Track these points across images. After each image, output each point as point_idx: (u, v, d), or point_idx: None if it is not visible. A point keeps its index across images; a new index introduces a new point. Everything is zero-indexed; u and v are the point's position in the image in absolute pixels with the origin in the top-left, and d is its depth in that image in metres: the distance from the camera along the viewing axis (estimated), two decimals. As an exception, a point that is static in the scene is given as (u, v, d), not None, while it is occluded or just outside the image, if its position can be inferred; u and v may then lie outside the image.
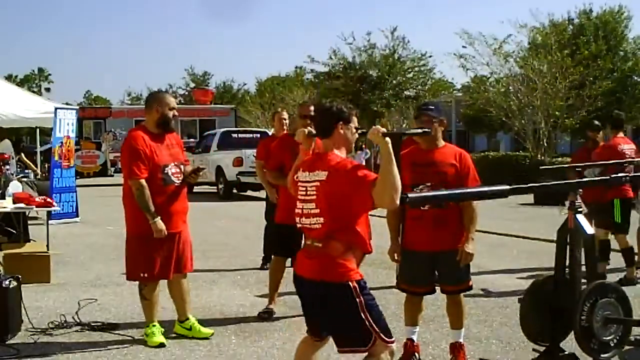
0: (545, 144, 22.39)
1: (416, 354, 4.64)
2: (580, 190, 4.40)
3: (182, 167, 5.15)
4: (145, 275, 5.05)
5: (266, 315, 5.83)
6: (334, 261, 3.31)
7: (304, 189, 3.44)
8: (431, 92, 31.96)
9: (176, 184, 5.09)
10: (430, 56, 31.40)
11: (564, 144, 32.74)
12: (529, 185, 5.02)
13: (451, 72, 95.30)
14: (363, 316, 3.28)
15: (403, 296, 4.81)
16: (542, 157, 21.40)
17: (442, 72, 53.90)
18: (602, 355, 4.20)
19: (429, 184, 4.46)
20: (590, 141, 8.37)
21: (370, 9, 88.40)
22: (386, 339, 3.35)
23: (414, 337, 4.66)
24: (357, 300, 3.29)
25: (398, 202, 3.26)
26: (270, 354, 4.90)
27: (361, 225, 3.38)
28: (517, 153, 24.34)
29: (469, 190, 4.38)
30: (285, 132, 6.94)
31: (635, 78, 28.19)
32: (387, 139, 3.29)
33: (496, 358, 4.85)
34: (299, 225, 3.49)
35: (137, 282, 5.14)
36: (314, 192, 3.38)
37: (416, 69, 31.53)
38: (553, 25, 26.99)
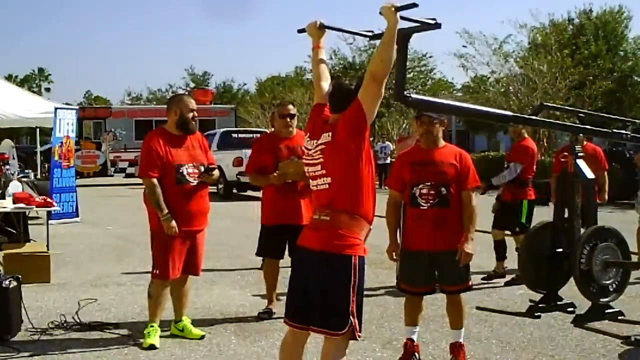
0: (546, 144, 22.40)
1: (416, 354, 4.64)
2: (582, 134, 4.35)
3: (201, 168, 5.17)
4: (157, 272, 5.11)
5: (266, 316, 5.83)
6: (340, 233, 3.32)
7: (313, 154, 3.46)
8: (431, 92, 31.99)
9: (192, 184, 5.11)
10: (430, 56, 31.45)
11: (564, 144, 32.74)
12: (531, 117, 4.97)
13: (451, 72, 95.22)
14: (350, 297, 3.28)
15: (403, 296, 4.82)
16: (543, 157, 21.40)
17: (442, 72, 53.90)
18: (601, 299, 4.20)
19: (428, 183, 4.48)
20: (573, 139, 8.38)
21: (370, 9, 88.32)
22: (358, 331, 3.34)
23: (414, 337, 4.66)
24: (352, 278, 3.28)
25: (386, 71, 3.26)
26: (270, 354, 4.89)
27: (367, 190, 3.38)
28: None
29: (474, 106, 4.33)
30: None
31: (635, 78, 28.17)
32: (398, 16, 3.28)
33: (496, 358, 4.85)
34: (312, 188, 3.50)
35: (141, 282, 5.14)
36: (320, 155, 3.41)
37: (416, 69, 31.55)
38: (553, 25, 27.02)
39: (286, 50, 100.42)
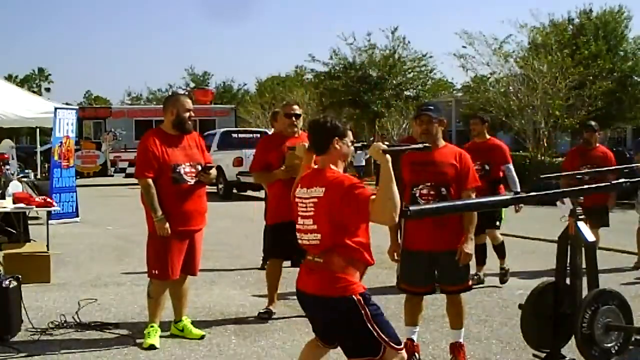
0: (546, 144, 22.39)
1: (416, 354, 4.64)
2: (582, 197, 4.39)
3: (198, 167, 5.16)
4: (156, 272, 5.11)
5: (266, 316, 5.83)
6: (335, 276, 3.30)
7: (303, 205, 3.43)
8: (431, 92, 32.00)
9: (189, 183, 5.11)
10: (430, 56, 31.39)
11: (564, 144, 32.72)
12: (531, 194, 5.01)
13: (451, 72, 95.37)
14: (370, 327, 3.27)
15: (403, 296, 4.82)
16: (542, 157, 21.39)
17: (442, 72, 53.92)
18: None
19: (428, 183, 4.48)
20: (584, 141, 8.38)
21: (370, 9, 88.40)
22: (396, 346, 3.34)
23: (414, 337, 4.66)
24: (363, 312, 3.27)
25: (397, 219, 3.26)
26: (270, 354, 4.90)
27: (361, 238, 3.36)
28: (517, 153, 24.29)
29: (471, 201, 4.39)
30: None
31: (635, 78, 28.12)
32: (388, 156, 3.28)
33: (496, 358, 4.85)
34: (300, 242, 3.48)
35: (141, 282, 5.15)
36: (312, 209, 3.38)
37: (416, 69, 31.50)
38: (553, 25, 26.99)
39: (286, 50, 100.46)
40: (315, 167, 3.56)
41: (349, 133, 3.51)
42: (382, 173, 3.28)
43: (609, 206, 7.99)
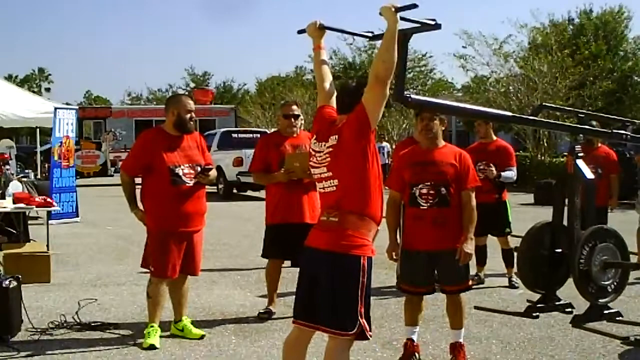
0: (546, 144, 22.41)
1: (416, 354, 4.64)
2: (581, 135, 4.35)
3: (198, 168, 5.17)
4: (153, 269, 5.13)
5: (266, 316, 5.83)
6: (348, 234, 3.33)
7: (319, 157, 3.47)
8: (431, 92, 32.00)
9: (188, 184, 5.11)
10: (430, 56, 31.45)
11: (564, 144, 32.71)
12: (531, 117, 4.97)
13: (451, 72, 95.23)
14: (358, 297, 3.29)
15: (403, 296, 4.82)
16: (543, 157, 21.41)
17: (442, 72, 53.87)
18: (600, 300, 4.19)
19: (428, 183, 4.48)
20: (587, 141, 8.36)
21: (370, 9, 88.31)
22: (369, 331, 3.36)
23: (414, 337, 4.66)
24: (361, 279, 3.30)
25: (389, 73, 3.29)
26: (270, 354, 4.90)
27: (374, 191, 3.39)
28: (518, 153, 24.28)
29: (475, 107, 4.35)
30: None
31: (635, 78, 28.15)
32: (398, 16, 3.29)
33: (496, 358, 4.85)
34: (319, 191, 3.52)
35: (141, 282, 5.16)
36: (328, 157, 3.42)
37: (416, 69, 31.55)
38: (553, 25, 27.02)
39: (286, 50, 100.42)
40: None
41: None
42: (386, 33, 3.28)
43: (611, 207, 7.97)
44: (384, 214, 3.52)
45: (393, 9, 3.30)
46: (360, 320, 3.31)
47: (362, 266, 3.31)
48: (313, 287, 3.42)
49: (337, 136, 3.40)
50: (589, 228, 4.19)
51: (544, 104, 6.49)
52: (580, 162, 4.20)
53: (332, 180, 3.41)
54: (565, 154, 6.07)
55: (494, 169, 6.77)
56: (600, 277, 4.13)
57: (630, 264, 4.38)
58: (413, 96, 3.72)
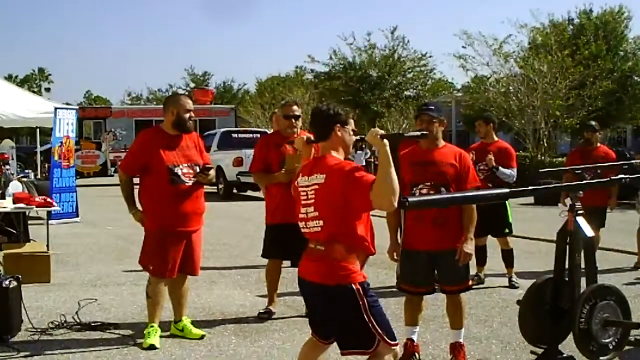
0: (546, 144, 22.41)
1: (416, 354, 4.64)
2: (581, 192, 4.39)
3: (196, 168, 5.17)
4: (151, 267, 5.13)
5: (266, 316, 5.83)
6: (336, 264, 3.32)
7: (304, 193, 3.45)
8: (431, 92, 32.06)
9: (187, 184, 5.11)
10: (430, 56, 31.47)
11: (564, 144, 32.73)
12: (529, 187, 5.02)
13: (451, 72, 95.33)
14: (366, 318, 3.29)
15: (403, 296, 4.82)
16: (542, 157, 21.41)
17: (442, 72, 53.94)
18: (601, 358, 4.18)
19: (428, 183, 4.48)
20: (585, 141, 8.38)
21: (370, 9, 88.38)
22: (390, 341, 3.36)
23: (414, 337, 4.66)
24: (361, 302, 3.29)
25: (396, 204, 3.26)
26: (270, 354, 4.90)
27: (363, 227, 3.38)
28: (518, 153, 24.27)
29: (469, 194, 4.39)
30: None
31: (635, 78, 28.14)
32: (386, 141, 3.28)
33: (496, 358, 4.85)
34: (303, 231, 3.49)
35: (141, 282, 5.16)
36: (313, 196, 3.39)
37: (416, 69, 31.58)
38: (553, 26, 27.02)
39: (286, 50, 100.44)
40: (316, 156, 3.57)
41: (351, 121, 3.52)
42: (380, 158, 3.28)
43: (610, 207, 7.98)
44: (379, 213, 3.50)
45: (378, 136, 3.30)
46: (377, 335, 3.31)
47: (357, 292, 3.30)
48: (318, 315, 3.49)
49: (324, 176, 3.36)
50: (589, 286, 4.24)
51: (540, 171, 6.53)
52: (581, 220, 4.24)
53: (318, 221, 3.38)
54: (565, 154, 6.06)
55: (492, 158, 6.80)
56: (601, 335, 4.16)
57: (631, 323, 4.42)
58: (410, 199, 3.74)
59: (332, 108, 3.50)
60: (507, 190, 4.39)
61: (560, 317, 4.30)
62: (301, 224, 3.48)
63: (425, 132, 3.99)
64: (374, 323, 3.30)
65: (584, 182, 5.20)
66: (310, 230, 3.42)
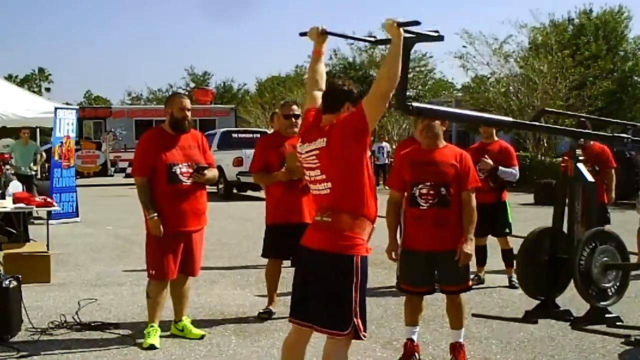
0: (546, 144, 22.41)
1: (416, 354, 4.64)
2: (582, 139, 4.34)
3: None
4: (153, 272, 5.11)
5: (266, 316, 5.83)
6: (342, 234, 3.33)
7: (307, 158, 3.48)
8: (431, 92, 32.06)
9: (185, 183, 5.10)
10: (430, 56, 31.48)
11: (564, 144, 32.74)
12: (532, 122, 4.98)
13: (451, 72, 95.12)
14: (353, 295, 3.29)
15: (403, 296, 4.82)
16: (542, 157, 21.41)
17: (443, 72, 53.89)
18: (600, 302, 4.17)
19: (428, 183, 4.48)
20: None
21: (370, 9, 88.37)
22: (363, 331, 3.35)
23: (414, 337, 4.66)
24: (354, 277, 3.30)
25: (392, 87, 3.28)
26: (270, 354, 4.90)
27: (368, 191, 3.39)
28: (518, 153, 24.25)
29: (474, 113, 4.35)
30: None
31: (635, 78, 28.18)
32: (401, 30, 3.29)
33: (496, 358, 4.85)
34: (313, 193, 3.51)
35: (141, 282, 5.16)
36: (316, 160, 3.42)
37: (417, 69, 31.58)
38: (553, 26, 27.06)
39: (286, 50, 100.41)
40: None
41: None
42: (390, 48, 3.28)
43: (609, 201, 7.92)
44: (379, 213, 3.50)
45: (395, 24, 3.30)
46: (355, 320, 3.31)
47: (356, 265, 3.31)
48: (307, 286, 3.43)
49: (325, 139, 3.39)
50: (590, 229, 4.18)
51: (545, 108, 6.45)
52: (581, 166, 4.19)
53: (325, 183, 3.40)
54: (564, 157, 6.07)
55: (489, 160, 6.77)
56: (601, 279, 4.11)
57: (631, 264, 4.36)
58: (414, 104, 3.71)
59: (348, 85, 3.51)
60: (511, 120, 4.33)
61: (558, 267, 4.24)
62: (311, 187, 3.51)
63: (440, 35, 3.81)
64: (356, 304, 3.30)
65: (586, 131, 5.16)
66: (319, 192, 3.45)
